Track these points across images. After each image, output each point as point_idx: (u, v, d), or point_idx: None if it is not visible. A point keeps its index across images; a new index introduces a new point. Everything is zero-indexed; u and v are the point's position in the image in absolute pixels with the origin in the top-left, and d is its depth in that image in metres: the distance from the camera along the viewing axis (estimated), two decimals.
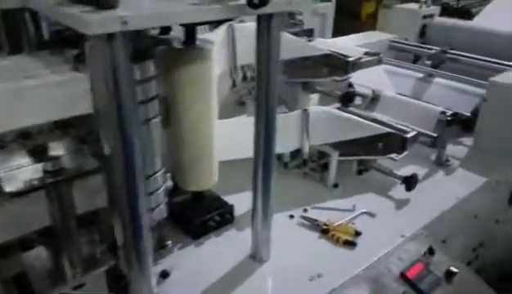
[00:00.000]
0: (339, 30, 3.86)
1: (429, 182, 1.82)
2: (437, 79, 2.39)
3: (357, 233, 1.47)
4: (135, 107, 0.94)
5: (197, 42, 1.25)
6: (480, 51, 2.63)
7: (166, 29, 1.27)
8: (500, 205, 2.10)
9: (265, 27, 1.09)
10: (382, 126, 1.75)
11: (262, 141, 1.21)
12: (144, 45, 1.10)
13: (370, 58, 1.91)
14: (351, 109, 1.93)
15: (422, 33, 2.94)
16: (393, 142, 1.78)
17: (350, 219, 1.55)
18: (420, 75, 2.42)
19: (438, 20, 2.92)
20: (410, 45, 2.71)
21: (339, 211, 1.60)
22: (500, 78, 1.97)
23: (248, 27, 1.66)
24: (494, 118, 1.99)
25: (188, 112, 1.26)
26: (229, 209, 1.52)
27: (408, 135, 1.76)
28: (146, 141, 1.08)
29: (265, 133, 1.20)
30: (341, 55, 1.87)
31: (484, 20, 3.04)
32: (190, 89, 1.24)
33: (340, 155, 1.75)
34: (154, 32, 1.27)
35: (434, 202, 1.66)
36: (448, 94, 2.31)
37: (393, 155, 1.75)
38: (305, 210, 1.60)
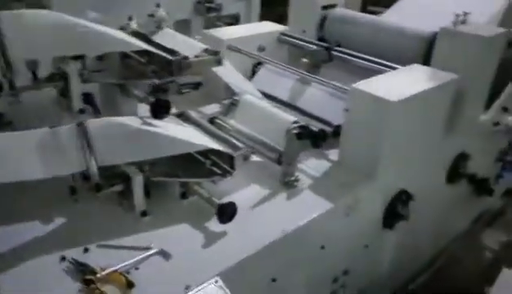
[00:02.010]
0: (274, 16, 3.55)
1: (264, 207, 1.53)
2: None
3: (130, 285, 1.17)
4: None
5: None
6: (379, 49, 2.34)
7: None
8: (370, 229, 1.84)
9: None
10: (202, 143, 1.45)
11: None
12: None
13: (204, 58, 1.60)
14: (193, 116, 1.63)
15: (322, 25, 2.63)
16: (222, 161, 1.49)
17: (135, 262, 1.24)
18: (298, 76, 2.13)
19: (338, 11, 2.60)
20: (297, 39, 2.39)
21: (132, 251, 1.30)
22: (362, 85, 1.68)
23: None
24: (357, 131, 1.71)
25: None
26: None
27: (237, 154, 1.48)
28: None
29: None
30: (169, 52, 1.55)
31: (394, 14, 2.76)
32: None
33: (152, 176, 1.44)
34: None
35: (254, 237, 1.37)
36: (325, 99, 2.02)
37: (216, 178, 1.46)
38: (86, 249, 1.29)
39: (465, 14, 1.97)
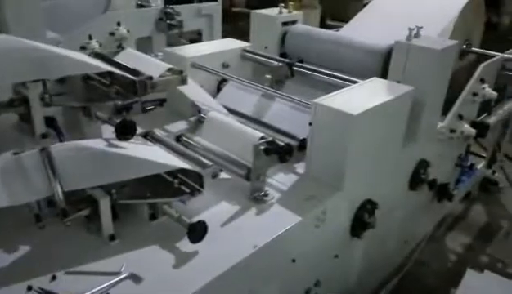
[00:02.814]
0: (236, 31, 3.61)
1: (234, 224, 1.53)
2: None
3: None
4: None
5: None
6: (340, 63, 2.42)
7: None
8: (339, 239, 1.88)
9: None
10: (170, 163, 1.44)
11: None
12: None
13: (169, 77, 1.60)
14: (161, 138, 1.63)
15: (283, 41, 2.69)
16: (190, 179, 1.49)
17: (104, 288, 1.22)
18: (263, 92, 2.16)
19: (297, 27, 2.67)
20: (260, 55, 2.44)
21: (101, 276, 1.27)
22: (324, 100, 1.73)
23: None
24: (321, 144, 1.76)
25: None
26: None
27: (205, 172, 1.48)
28: None
29: None
30: (133, 73, 1.54)
31: (351, 29, 2.86)
32: None
33: (120, 198, 1.42)
34: None
35: (226, 254, 1.37)
36: (290, 114, 2.07)
37: (185, 197, 1.46)
38: (53, 277, 1.25)
39: (418, 28, 2.07)
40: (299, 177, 1.84)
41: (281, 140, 1.81)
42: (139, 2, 3.97)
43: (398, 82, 2.04)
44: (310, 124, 1.76)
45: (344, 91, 1.85)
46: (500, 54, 2.83)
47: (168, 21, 3.78)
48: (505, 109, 3.00)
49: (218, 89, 2.41)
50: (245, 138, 1.72)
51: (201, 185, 1.47)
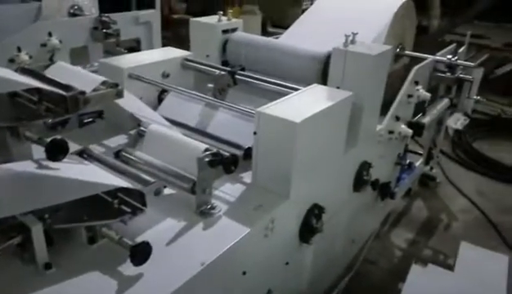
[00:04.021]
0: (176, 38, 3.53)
1: (180, 241, 1.48)
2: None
3: None
4: None
5: None
6: (282, 70, 2.44)
7: None
8: (288, 246, 1.88)
9: None
10: (107, 182, 1.37)
11: None
12: None
13: (103, 91, 1.53)
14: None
15: (224, 49, 2.67)
16: (131, 198, 1.42)
17: None
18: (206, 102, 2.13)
19: (238, 35, 2.66)
20: (201, 64, 2.40)
21: None
22: (267, 109, 1.72)
23: None
24: (266, 153, 1.75)
25: None
26: None
27: (147, 190, 1.42)
28: None
29: None
30: (64, 88, 1.45)
31: (291, 36, 2.89)
32: None
33: (54, 223, 1.33)
34: None
35: (173, 274, 1.32)
36: (234, 123, 2.04)
37: (126, 218, 1.38)
38: None
39: (354, 34, 2.13)
40: (246, 187, 1.81)
41: (227, 151, 1.79)
42: (71, 11, 3.79)
43: (338, 87, 2.08)
44: (254, 133, 1.74)
45: (286, 99, 1.85)
46: (431, 56, 2.98)
47: (103, 30, 3.63)
48: (438, 108, 3.17)
49: (160, 100, 2.34)
50: (189, 150, 1.67)
51: (143, 204, 1.41)
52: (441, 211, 3.78)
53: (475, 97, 3.33)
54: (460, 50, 3.34)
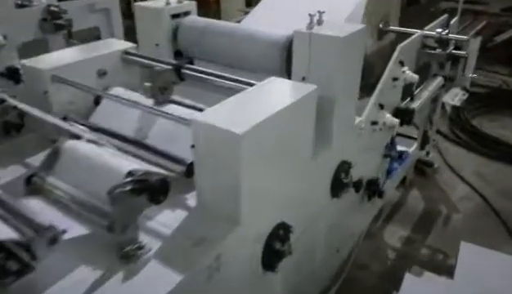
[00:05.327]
0: None
1: None
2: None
3: None
4: None
5: None
6: (239, 59, 2.07)
7: None
8: (245, 282, 1.55)
9: None
10: None
11: None
12: None
13: None
14: None
15: (175, 37, 2.29)
16: (21, 251, 1.08)
17: None
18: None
19: (190, 20, 2.27)
20: (143, 57, 2.02)
21: None
22: (206, 116, 1.37)
23: None
24: (208, 169, 1.40)
25: None
26: None
27: (36, 242, 1.08)
28: None
29: None
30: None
31: (254, 18, 2.50)
32: None
33: None
34: None
35: None
36: (175, 132, 1.68)
37: (9, 280, 1.05)
38: None
39: (321, 13, 1.74)
40: (189, 213, 1.47)
41: (167, 167, 1.46)
42: (19, 2, 3.40)
43: (303, 78, 1.72)
44: (192, 146, 1.39)
45: (234, 99, 1.49)
46: (419, 31, 2.60)
47: (53, 21, 3.24)
48: (430, 89, 2.79)
49: (97, 103, 1.97)
50: (109, 175, 1.32)
51: (33, 258, 1.07)
52: (439, 201, 3.42)
53: (470, 75, 2.92)
54: (452, 21, 2.94)
